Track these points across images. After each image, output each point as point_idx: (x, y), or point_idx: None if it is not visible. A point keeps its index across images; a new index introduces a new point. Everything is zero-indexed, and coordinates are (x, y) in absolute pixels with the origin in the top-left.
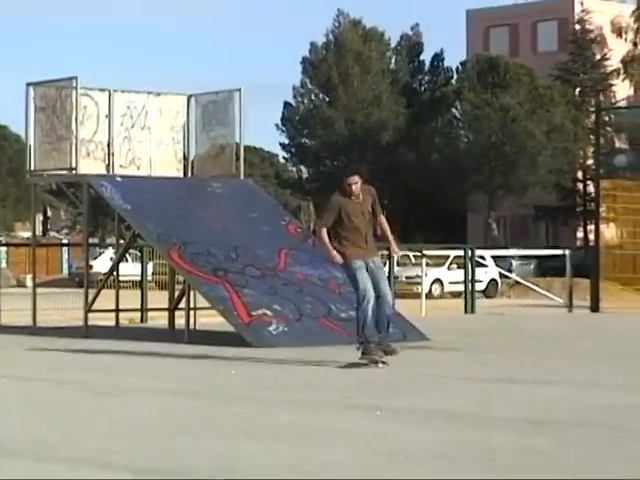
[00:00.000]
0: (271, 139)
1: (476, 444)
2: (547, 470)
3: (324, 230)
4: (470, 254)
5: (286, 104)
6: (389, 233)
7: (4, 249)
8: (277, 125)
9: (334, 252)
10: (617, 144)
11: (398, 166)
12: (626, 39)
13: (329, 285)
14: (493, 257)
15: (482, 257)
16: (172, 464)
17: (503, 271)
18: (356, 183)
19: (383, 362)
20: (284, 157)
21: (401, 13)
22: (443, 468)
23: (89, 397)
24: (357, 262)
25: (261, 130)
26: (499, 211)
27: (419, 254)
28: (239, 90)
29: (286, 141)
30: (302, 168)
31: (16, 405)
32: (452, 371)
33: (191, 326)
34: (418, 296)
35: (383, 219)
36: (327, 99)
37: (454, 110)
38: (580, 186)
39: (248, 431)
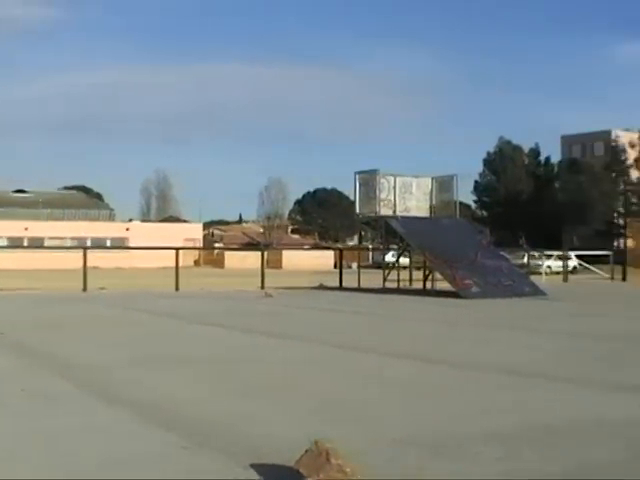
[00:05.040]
0: (468, 197)
1: (580, 349)
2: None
3: None
4: (564, 254)
5: (475, 181)
6: None
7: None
8: (471, 191)
9: None
10: (633, 200)
11: (529, 213)
12: (635, 149)
13: (498, 268)
14: (575, 255)
15: (570, 255)
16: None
17: (580, 261)
18: None
19: None
20: (475, 206)
21: (529, 138)
22: (558, 360)
23: (388, 313)
24: None
25: (464, 193)
26: (577, 233)
27: (541, 254)
28: (456, 175)
29: (475, 199)
30: (484, 212)
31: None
32: (559, 311)
33: (433, 287)
34: (540, 274)
35: None
36: (495, 179)
37: (556, 184)
38: (616, 220)
39: (481, 342)
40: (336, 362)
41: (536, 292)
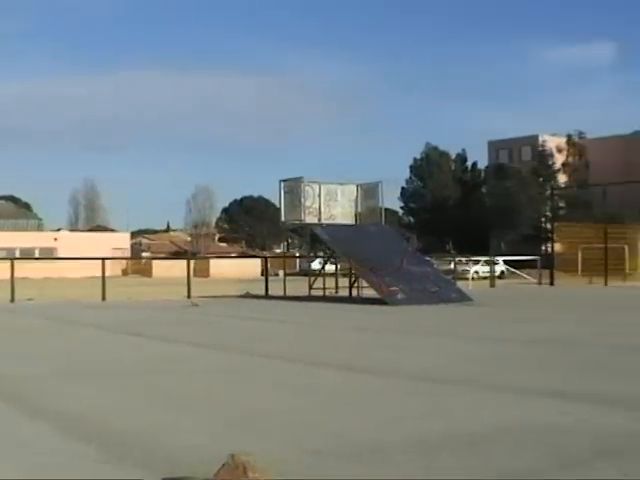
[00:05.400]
0: (395, 204)
1: (506, 355)
2: (518, 366)
3: None
4: (492, 259)
5: (402, 188)
6: None
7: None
8: (398, 197)
9: None
10: (559, 204)
11: (456, 219)
12: (562, 154)
13: (424, 275)
14: (503, 260)
15: (497, 260)
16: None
17: (507, 266)
18: None
19: None
20: (402, 212)
21: (456, 143)
22: (483, 367)
23: (309, 320)
24: None
25: (390, 200)
26: (505, 238)
27: (469, 259)
28: (380, 182)
29: (402, 205)
30: (411, 218)
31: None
32: (485, 316)
33: (359, 295)
34: (467, 279)
35: None
36: (422, 185)
37: (483, 190)
38: (544, 225)
39: (382, 346)
40: (262, 371)
41: (462, 298)
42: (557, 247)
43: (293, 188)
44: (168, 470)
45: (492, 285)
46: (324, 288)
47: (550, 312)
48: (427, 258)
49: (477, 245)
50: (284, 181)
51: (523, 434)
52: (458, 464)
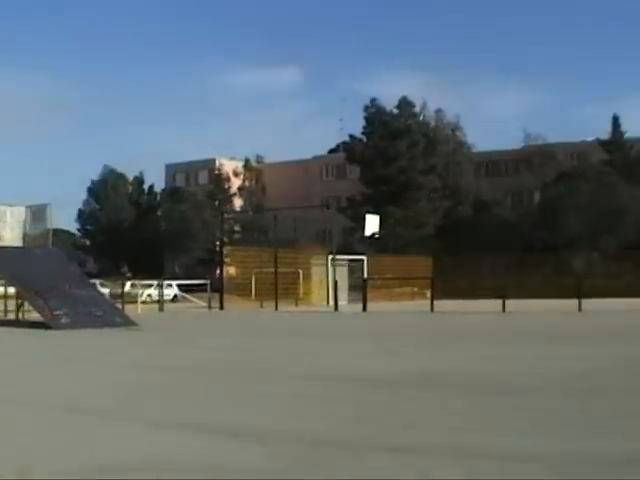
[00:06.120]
0: (72, 226)
1: (153, 383)
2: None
3: None
4: (164, 282)
5: (80, 210)
6: None
7: None
8: (75, 219)
9: None
10: (235, 228)
11: (131, 242)
12: (239, 178)
13: (90, 299)
14: (177, 284)
15: (171, 284)
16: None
17: (179, 291)
18: None
19: None
20: (79, 234)
21: (136, 166)
22: (129, 396)
23: None
24: None
25: (68, 222)
26: (179, 261)
27: (140, 283)
28: (49, 204)
29: (79, 227)
30: (87, 241)
31: None
32: (145, 342)
33: (24, 318)
34: (136, 302)
35: None
36: (98, 207)
37: (159, 213)
38: (218, 248)
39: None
40: None
41: (127, 322)
42: (231, 271)
43: None
44: None
45: (161, 309)
46: None
47: (212, 337)
48: (93, 281)
49: (152, 268)
50: None
51: (132, 471)
52: None
